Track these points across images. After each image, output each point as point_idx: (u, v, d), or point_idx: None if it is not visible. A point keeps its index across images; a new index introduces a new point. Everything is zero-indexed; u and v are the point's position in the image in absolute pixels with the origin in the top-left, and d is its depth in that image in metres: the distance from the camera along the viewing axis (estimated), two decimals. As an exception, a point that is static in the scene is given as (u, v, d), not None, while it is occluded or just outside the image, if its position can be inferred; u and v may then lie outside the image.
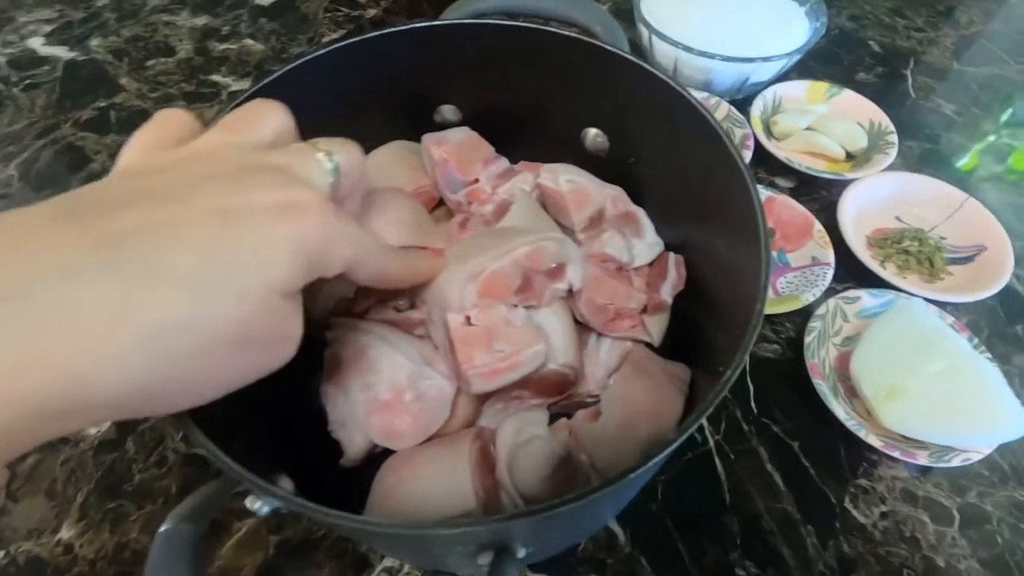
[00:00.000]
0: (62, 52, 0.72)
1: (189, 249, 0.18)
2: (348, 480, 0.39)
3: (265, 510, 0.27)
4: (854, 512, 0.42)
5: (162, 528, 0.24)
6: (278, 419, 0.40)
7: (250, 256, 0.19)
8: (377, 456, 0.39)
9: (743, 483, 0.43)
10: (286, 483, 0.29)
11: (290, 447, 0.39)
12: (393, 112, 0.47)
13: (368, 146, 0.47)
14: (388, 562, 0.39)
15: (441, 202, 0.48)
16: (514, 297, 0.36)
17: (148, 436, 0.44)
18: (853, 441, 0.44)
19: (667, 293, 0.41)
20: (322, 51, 0.39)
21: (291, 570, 0.39)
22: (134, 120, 0.65)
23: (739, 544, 0.40)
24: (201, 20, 0.77)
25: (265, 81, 0.37)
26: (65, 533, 0.40)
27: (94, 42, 0.74)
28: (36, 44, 0.73)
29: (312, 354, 0.43)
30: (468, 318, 0.38)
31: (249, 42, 0.75)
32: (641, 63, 0.38)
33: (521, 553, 0.26)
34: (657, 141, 0.42)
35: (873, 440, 0.41)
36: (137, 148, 0.23)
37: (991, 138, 0.60)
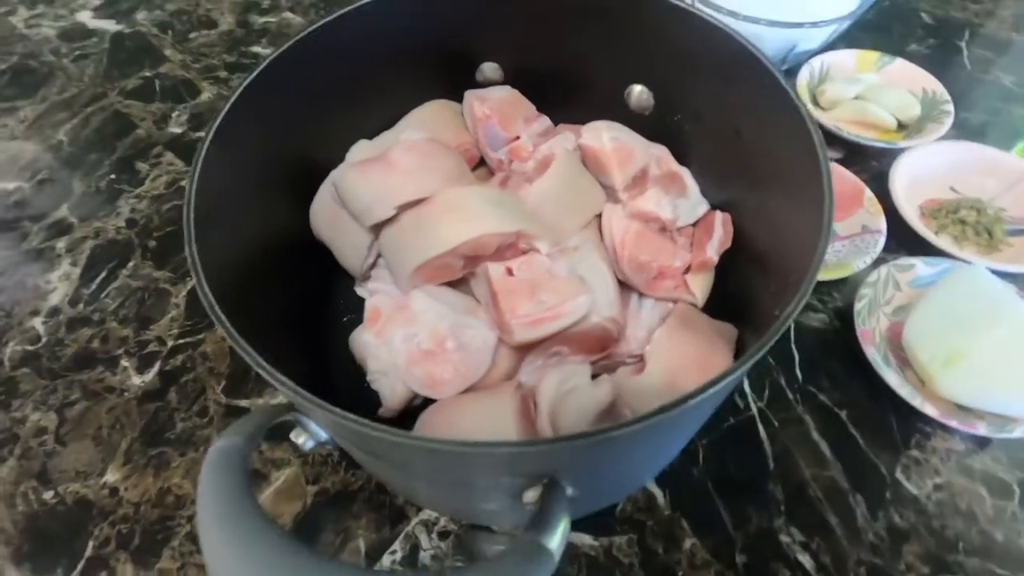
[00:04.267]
0: (109, 25, 0.74)
1: None
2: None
3: (310, 444, 0.27)
4: (906, 483, 0.40)
5: (217, 443, 0.24)
6: (316, 369, 0.41)
7: None
8: (414, 410, 0.39)
9: (788, 451, 0.41)
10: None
11: (326, 396, 0.39)
12: (434, 70, 0.46)
13: (408, 105, 0.47)
14: (424, 515, 0.39)
15: (481, 162, 0.48)
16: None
17: (190, 387, 0.45)
18: (905, 412, 0.42)
19: (713, 251, 0.40)
20: (359, 4, 0.39)
21: (328, 520, 0.39)
22: (177, 89, 0.67)
23: (784, 511, 0.39)
24: (242, -5, 0.78)
25: (303, 33, 0.37)
26: (110, 476, 0.41)
27: (140, 15, 0.75)
28: (85, 18, 0.75)
29: (352, 308, 0.44)
30: (509, 270, 0.38)
31: (289, 15, 0.76)
32: (696, 10, 0.37)
33: (569, 491, 0.25)
34: (707, 96, 0.40)
35: (929, 409, 0.39)
36: None
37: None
